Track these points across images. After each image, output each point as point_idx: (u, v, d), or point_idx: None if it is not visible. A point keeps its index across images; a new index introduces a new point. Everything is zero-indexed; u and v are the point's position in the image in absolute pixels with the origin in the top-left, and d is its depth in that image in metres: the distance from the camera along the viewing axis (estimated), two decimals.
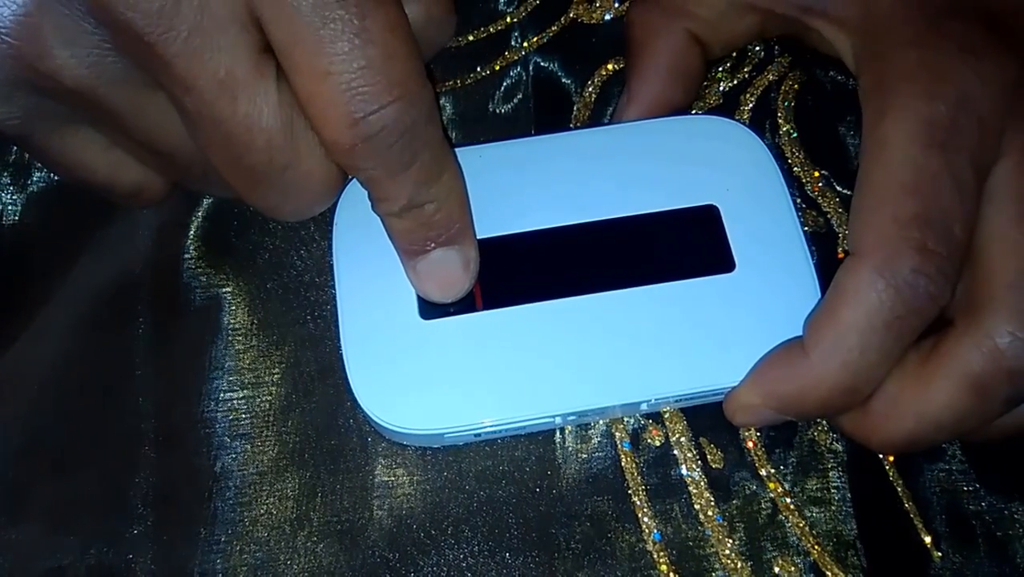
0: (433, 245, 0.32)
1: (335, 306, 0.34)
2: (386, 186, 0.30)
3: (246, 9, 0.28)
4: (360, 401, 0.33)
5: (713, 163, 0.36)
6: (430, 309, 0.34)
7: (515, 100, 0.40)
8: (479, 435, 0.33)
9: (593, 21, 0.41)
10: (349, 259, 0.35)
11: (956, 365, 0.30)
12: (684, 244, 0.35)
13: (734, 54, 0.40)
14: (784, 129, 0.39)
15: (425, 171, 0.30)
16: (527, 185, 0.36)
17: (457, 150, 0.36)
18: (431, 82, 0.30)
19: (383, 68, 0.28)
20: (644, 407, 0.34)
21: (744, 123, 0.39)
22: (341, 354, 0.33)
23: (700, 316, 0.33)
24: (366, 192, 0.31)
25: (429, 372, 0.33)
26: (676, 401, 0.34)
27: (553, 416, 0.33)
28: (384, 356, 0.33)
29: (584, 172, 0.36)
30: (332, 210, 0.35)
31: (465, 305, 0.34)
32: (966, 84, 0.31)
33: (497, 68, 0.40)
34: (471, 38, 0.41)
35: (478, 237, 0.34)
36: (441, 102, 0.40)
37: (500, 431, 0.33)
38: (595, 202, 0.35)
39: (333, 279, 0.35)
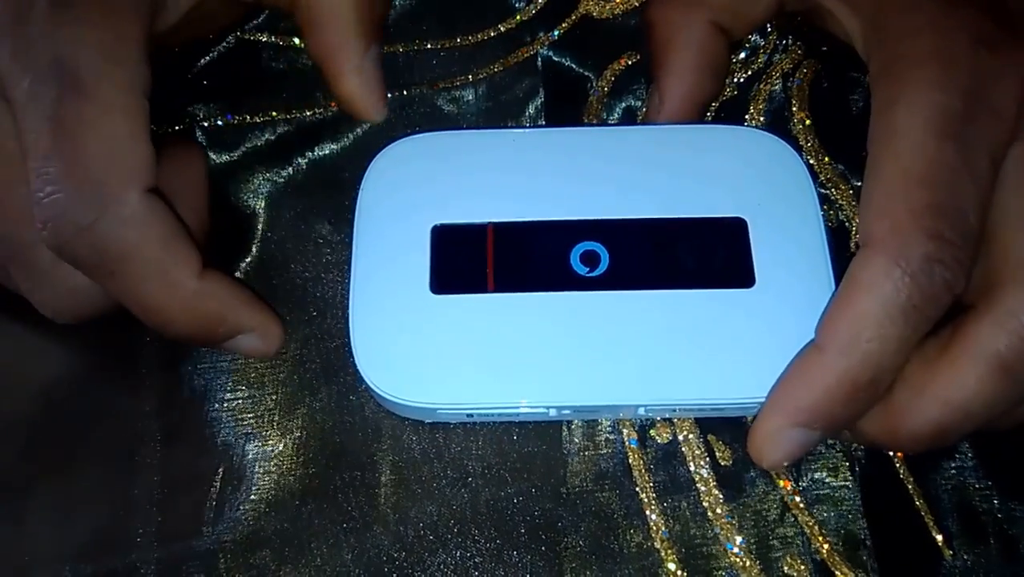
0: (217, 344, 0.34)
1: (348, 271, 0.34)
2: (112, 292, 0.31)
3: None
4: (359, 366, 0.33)
5: (749, 176, 0.35)
6: (441, 283, 0.34)
7: (527, 95, 0.40)
8: (471, 416, 0.33)
9: (604, 16, 0.41)
10: (369, 226, 0.35)
11: (980, 347, 0.29)
12: (706, 254, 0.34)
13: (747, 45, 0.40)
14: (798, 117, 0.39)
15: (136, 284, 0.31)
16: (558, 174, 0.35)
17: (492, 131, 0.36)
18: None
19: (65, 157, 0.29)
20: (641, 411, 0.33)
21: (760, 112, 0.38)
22: (347, 316, 0.33)
23: (711, 328, 0.33)
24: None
25: (431, 346, 0.33)
26: (673, 411, 0.33)
27: (548, 408, 0.33)
28: (389, 325, 0.33)
29: (620, 169, 0.35)
30: (359, 182, 0.35)
31: (476, 284, 0.34)
32: (980, 74, 0.30)
33: (510, 63, 0.40)
34: (482, 36, 0.41)
35: (503, 219, 0.34)
36: (456, 95, 0.40)
37: (493, 414, 0.33)
38: (624, 200, 0.35)
39: (351, 246, 0.34)
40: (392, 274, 0.34)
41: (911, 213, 0.29)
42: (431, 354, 0.33)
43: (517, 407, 0.32)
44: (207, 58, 0.41)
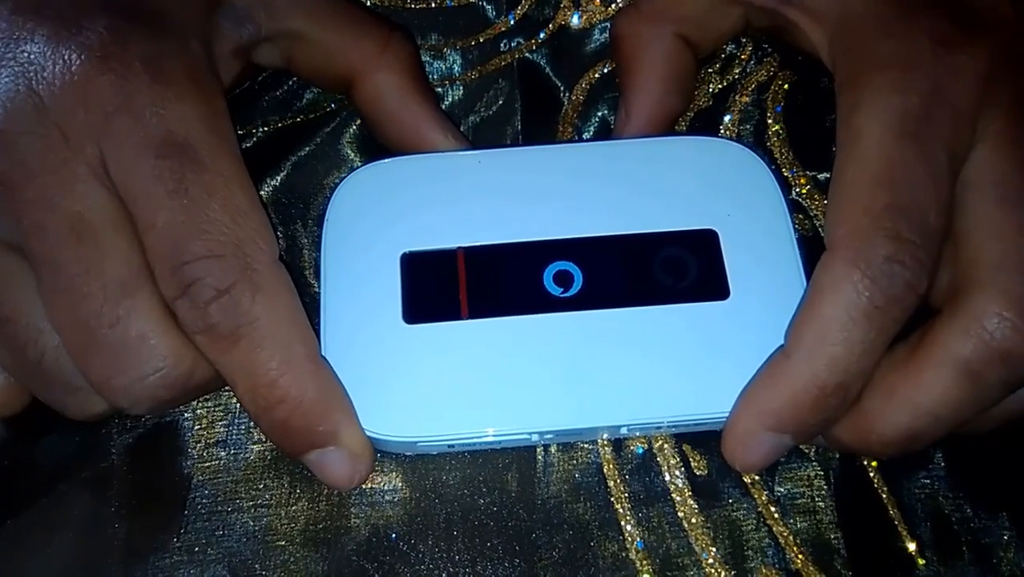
0: (306, 448, 0.31)
1: (318, 303, 0.34)
2: (225, 364, 0.30)
3: (101, 162, 0.30)
4: None
5: (717, 187, 0.35)
6: (415, 313, 0.33)
7: (504, 103, 0.40)
8: (453, 446, 0.33)
9: (582, 26, 0.41)
10: (337, 257, 0.34)
11: (946, 352, 0.29)
12: (679, 268, 0.34)
13: (723, 56, 0.40)
14: (774, 129, 0.39)
15: (257, 353, 0.30)
16: (526, 194, 0.35)
17: (456, 153, 0.36)
18: None
19: (200, 225, 0.29)
20: (624, 431, 0.33)
21: (735, 123, 0.38)
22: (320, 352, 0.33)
23: (689, 342, 0.32)
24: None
25: (407, 378, 0.32)
26: (657, 428, 0.33)
27: (530, 433, 0.32)
28: (363, 357, 0.32)
29: (588, 185, 0.35)
30: (324, 208, 0.35)
31: (450, 312, 0.33)
32: (939, 75, 0.30)
33: (487, 71, 0.40)
34: (460, 45, 0.41)
35: (473, 243, 0.34)
36: None
37: (474, 444, 0.33)
38: (594, 217, 0.34)
39: (319, 276, 0.34)
40: (364, 306, 0.33)
41: (869, 215, 0.29)
42: (409, 387, 0.32)
43: (499, 436, 0.32)
44: None
